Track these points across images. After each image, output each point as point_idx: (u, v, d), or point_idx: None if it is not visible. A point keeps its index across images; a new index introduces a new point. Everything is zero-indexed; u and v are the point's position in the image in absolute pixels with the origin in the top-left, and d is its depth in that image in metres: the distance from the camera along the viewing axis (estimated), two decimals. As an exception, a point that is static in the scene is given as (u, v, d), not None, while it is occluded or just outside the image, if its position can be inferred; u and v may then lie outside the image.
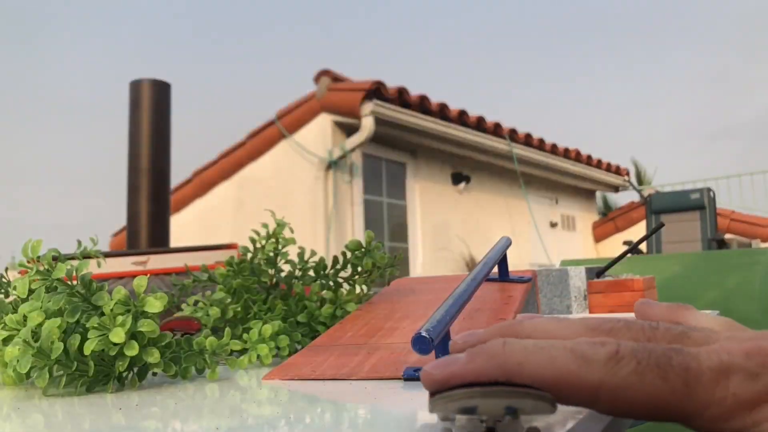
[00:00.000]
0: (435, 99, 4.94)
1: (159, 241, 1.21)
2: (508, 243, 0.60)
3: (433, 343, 0.36)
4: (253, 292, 0.62)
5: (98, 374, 0.43)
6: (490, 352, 0.24)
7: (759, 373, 0.22)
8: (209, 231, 5.41)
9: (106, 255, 0.86)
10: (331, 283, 0.64)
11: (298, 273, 0.65)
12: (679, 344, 0.25)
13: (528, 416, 0.24)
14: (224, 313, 0.60)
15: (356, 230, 4.65)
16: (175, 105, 1.29)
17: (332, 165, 4.64)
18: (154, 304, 0.43)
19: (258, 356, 0.52)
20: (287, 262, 0.64)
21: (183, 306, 0.63)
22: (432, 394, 0.25)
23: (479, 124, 5.30)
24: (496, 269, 0.59)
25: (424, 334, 0.36)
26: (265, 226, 0.64)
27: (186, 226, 5.49)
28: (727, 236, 5.71)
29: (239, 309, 0.60)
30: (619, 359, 0.23)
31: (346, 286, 0.65)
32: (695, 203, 4.91)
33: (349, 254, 0.64)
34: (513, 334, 0.27)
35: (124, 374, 0.44)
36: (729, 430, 0.22)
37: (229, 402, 0.38)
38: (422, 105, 4.80)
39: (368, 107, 4.41)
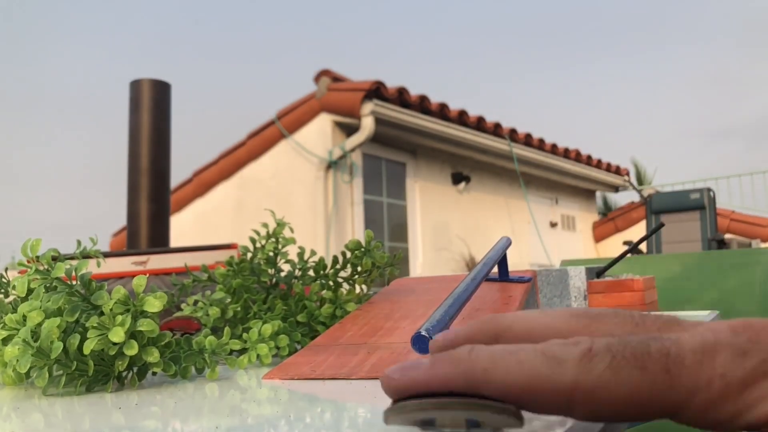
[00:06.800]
0: (435, 99, 4.94)
1: (159, 241, 1.20)
2: (508, 243, 0.60)
3: (433, 342, 0.36)
4: (252, 291, 0.62)
5: (98, 374, 0.43)
6: (455, 357, 0.22)
7: (748, 350, 0.20)
8: (209, 231, 5.40)
9: (106, 255, 0.86)
10: (330, 282, 0.64)
11: (297, 273, 0.65)
12: (667, 331, 0.22)
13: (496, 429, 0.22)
14: (224, 312, 0.60)
15: (356, 230, 4.65)
16: (175, 105, 1.29)
17: (332, 165, 4.64)
18: (154, 304, 0.43)
19: (258, 356, 0.52)
20: (287, 261, 0.64)
21: (183, 306, 0.63)
22: (393, 402, 0.23)
23: (479, 124, 5.30)
24: (496, 269, 0.59)
25: (423, 333, 0.36)
26: (265, 225, 0.64)
27: (186, 226, 5.48)
28: (727, 236, 5.71)
29: (239, 309, 0.60)
30: (592, 356, 0.20)
31: (345, 285, 0.65)
32: (695, 203, 4.91)
33: (348, 254, 0.64)
34: (493, 329, 0.25)
35: (124, 374, 0.44)
36: (721, 417, 0.20)
37: (228, 401, 0.38)
38: (422, 105, 4.80)
39: (368, 107, 4.40)
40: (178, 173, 6.03)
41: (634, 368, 0.20)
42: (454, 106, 5.11)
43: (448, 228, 5.43)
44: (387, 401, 0.22)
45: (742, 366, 0.19)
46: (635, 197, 7.89)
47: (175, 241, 1.26)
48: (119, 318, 0.42)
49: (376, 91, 4.45)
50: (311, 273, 0.65)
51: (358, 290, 0.65)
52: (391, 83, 4.63)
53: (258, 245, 0.64)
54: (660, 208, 5.03)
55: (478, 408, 0.21)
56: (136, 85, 1.25)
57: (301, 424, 0.30)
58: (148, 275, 0.46)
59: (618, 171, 7.57)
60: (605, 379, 0.20)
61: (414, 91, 4.77)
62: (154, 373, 0.49)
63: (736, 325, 0.21)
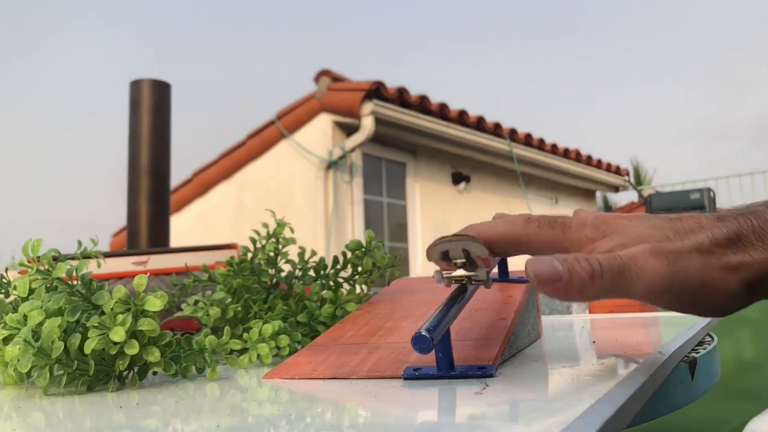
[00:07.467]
0: (435, 99, 4.94)
1: (159, 241, 1.20)
2: (508, 243, 0.60)
3: (434, 342, 0.36)
4: (253, 291, 0.62)
5: (99, 373, 0.43)
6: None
7: (598, 226, 0.38)
8: (209, 231, 5.40)
9: (106, 255, 0.86)
10: (331, 283, 0.64)
11: (298, 273, 0.65)
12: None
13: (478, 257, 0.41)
14: (224, 312, 0.60)
15: (356, 230, 4.65)
16: (175, 105, 1.29)
17: (332, 165, 4.64)
18: (155, 303, 0.43)
19: (258, 356, 0.52)
20: (287, 262, 0.64)
21: (183, 306, 0.63)
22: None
23: (479, 124, 5.30)
24: (496, 269, 0.59)
25: (424, 333, 0.36)
26: (266, 225, 0.64)
27: (186, 226, 5.48)
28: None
29: (239, 309, 0.61)
30: (530, 221, 0.40)
31: (346, 286, 0.65)
32: (695, 203, 4.91)
33: (349, 254, 0.64)
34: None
35: (125, 373, 0.44)
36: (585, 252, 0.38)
37: (229, 401, 0.38)
38: (422, 105, 4.80)
39: (368, 107, 4.41)
40: (178, 173, 6.04)
41: (549, 228, 0.39)
42: (454, 106, 5.11)
43: (448, 228, 5.43)
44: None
45: (594, 233, 0.38)
46: (635, 197, 7.89)
47: (175, 241, 1.26)
48: (120, 317, 0.42)
49: (376, 91, 4.45)
50: (311, 273, 0.65)
51: (358, 290, 0.65)
52: (391, 83, 4.63)
53: (258, 245, 0.64)
54: (660, 208, 5.03)
55: (463, 239, 0.40)
56: (136, 85, 1.25)
57: (301, 424, 0.31)
58: (148, 275, 0.46)
59: (618, 171, 7.56)
60: (535, 232, 0.39)
61: (414, 91, 4.77)
62: (154, 373, 0.49)
63: (597, 215, 0.39)
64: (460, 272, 0.42)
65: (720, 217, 0.36)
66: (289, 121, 4.95)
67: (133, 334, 0.43)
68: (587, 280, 0.33)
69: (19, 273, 0.78)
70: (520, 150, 5.69)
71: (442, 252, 0.42)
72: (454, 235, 0.41)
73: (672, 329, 0.62)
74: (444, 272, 0.43)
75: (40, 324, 0.42)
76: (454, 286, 0.44)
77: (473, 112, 5.27)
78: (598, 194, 8.15)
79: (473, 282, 0.43)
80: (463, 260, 0.42)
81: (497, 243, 0.40)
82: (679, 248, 0.34)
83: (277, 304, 0.61)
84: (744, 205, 0.38)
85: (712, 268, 0.34)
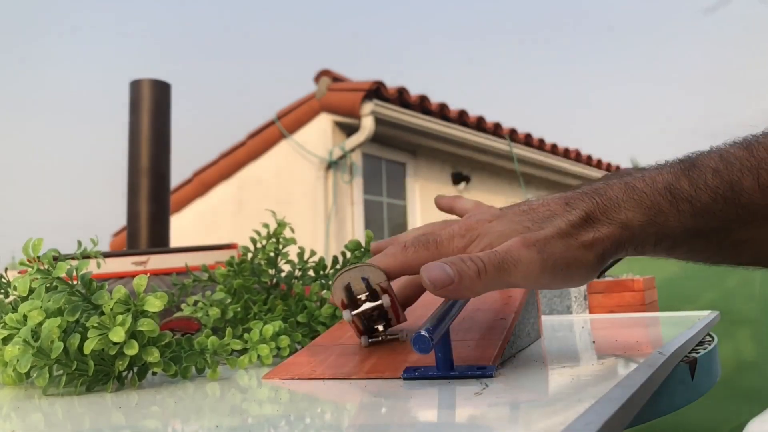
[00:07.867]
0: (435, 99, 4.94)
1: (159, 242, 1.20)
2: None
3: (433, 342, 0.36)
4: (253, 292, 0.62)
5: (98, 373, 0.43)
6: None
7: (464, 234, 0.42)
8: (209, 231, 5.40)
9: (106, 255, 0.86)
10: (330, 283, 0.64)
11: (298, 273, 0.65)
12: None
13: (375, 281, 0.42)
14: (224, 313, 0.60)
15: (356, 230, 4.65)
16: (175, 105, 1.29)
17: (332, 165, 4.64)
18: (154, 303, 0.43)
19: (258, 356, 0.52)
20: (287, 262, 0.64)
21: (183, 306, 0.63)
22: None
23: (479, 124, 5.30)
24: None
25: (424, 333, 0.36)
26: (266, 225, 0.64)
27: (186, 226, 5.48)
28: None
29: (239, 309, 0.60)
30: (405, 248, 0.43)
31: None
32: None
33: (348, 254, 0.64)
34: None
35: (124, 373, 0.44)
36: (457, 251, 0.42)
37: (229, 401, 0.38)
38: (422, 105, 4.79)
39: (368, 107, 4.40)
40: (178, 173, 6.04)
41: (424, 249, 0.42)
42: (454, 106, 5.11)
43: (448, 228, 5.41)
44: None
45: (462, 241, 0.42)
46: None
47: (175, 241, 1.26)
48: (119, 318, 0.42)
49: (376, 91, 4.45)
50: (311, 273, 0.65)
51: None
52: (391, 83, 4.63)
53: (258, 245, 0.64)
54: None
55: (365, 266, 0.43)
56: (136, 86, 1.25)
57: (301, 424, 0.30)
58: (148, 275, 0.46)
59: (618, 171, 7.56)
60: (414, 256, 0.42)
61: (414, 91, 4.77)
62: (154, 373, 0.49)
63: (462, 224, 0.43)
64: (367, 305, 0.43)
65: (567, 201, 0.42)
66: (289, 121, 4.95)
67: (132, 334, 0.43)
68: (475, 278, 0.37)
69: (19, 273, 0.78)
70: (520, 150, 5.69)
71: (344, 287, 0.43)
72: (349, 266, 0.44)
73: (672, 329, 0.62)
74: (351, 310, 0.44)
75: (40, 324, 0.42)
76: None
77: (473, 112, 5.27)
78: (598, 194, 8.14)
79: (383, 317, 0.45)
80: (366, 293, 0.43)
81: (391, 271, 0.44)
82: (544, 236, 0.39)
83: (277, 305, 0.61)
84: (587, 184, 0.43)
85: (573, 248, 0.39)
